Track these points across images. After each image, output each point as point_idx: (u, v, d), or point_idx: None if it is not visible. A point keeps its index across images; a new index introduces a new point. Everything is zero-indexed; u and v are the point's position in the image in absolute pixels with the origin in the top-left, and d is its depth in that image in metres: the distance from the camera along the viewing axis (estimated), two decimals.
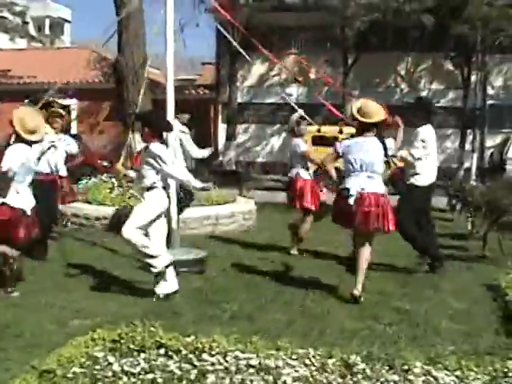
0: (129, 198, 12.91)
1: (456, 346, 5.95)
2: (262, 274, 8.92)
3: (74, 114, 33.69)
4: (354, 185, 7.48)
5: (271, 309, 7.14)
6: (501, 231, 10.76)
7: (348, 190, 7.45)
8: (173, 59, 9.07)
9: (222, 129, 35.25)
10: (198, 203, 12.88)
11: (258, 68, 35.56)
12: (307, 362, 4.65)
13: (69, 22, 44.82)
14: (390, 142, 7.92)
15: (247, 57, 12.12)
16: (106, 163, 17.04)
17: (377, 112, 7.59)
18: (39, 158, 8.31)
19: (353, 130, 8.36)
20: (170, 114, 9.04)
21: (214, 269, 9.09)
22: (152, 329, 4.94)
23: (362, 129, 7.69)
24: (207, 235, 12.07)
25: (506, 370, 4.57)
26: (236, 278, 8.69)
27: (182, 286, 7.84)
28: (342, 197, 7.58)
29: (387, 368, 4.56)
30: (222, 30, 11.64)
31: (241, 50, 13.65)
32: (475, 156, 17.28)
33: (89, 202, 12.89)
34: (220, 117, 35.90)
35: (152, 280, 7.48)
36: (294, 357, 4.71)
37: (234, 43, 11.49)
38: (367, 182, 7.46)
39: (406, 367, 4.55)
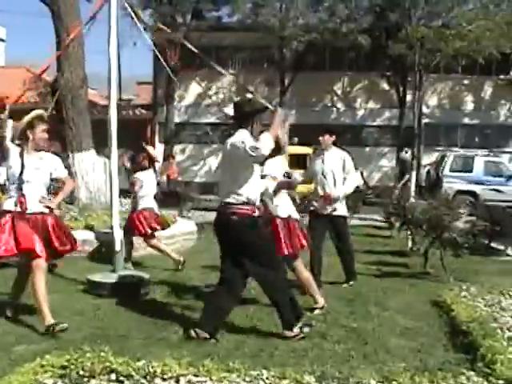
0: (68, 219, 12.66)
1: (407, 363, 5.94)
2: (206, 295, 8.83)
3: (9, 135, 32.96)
4: None
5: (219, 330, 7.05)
6: (442, 248, 10.88)
7: None
8: (116, 79, 8.96)
9: (159, 149, 35.05)
10: None
11: (196, 87, 35.57)
12: (261, 383, 4.59)
13: (3, 41, 44.01)
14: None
15: (174, 79, 12.00)
16: None
17: None
18: None
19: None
20: (113, 135, 8.91)
21: (158, 291, 8.95)
22: (102, 354, 4.81)
23: None
24: (147, 256, 11.90)
25: None
26: (181, 299, 8.56)
27: (127, 309, 7.71)
28: None
29: None
30: (155, 50, 11.43)
31: (170, 72, 13.45)
32: (413, 174, 17.50)
33: None
34: (157, 137, 35.72)
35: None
36: (247, 379, 4.66)
37: (165, 64, 11.32)
38: None
39: None
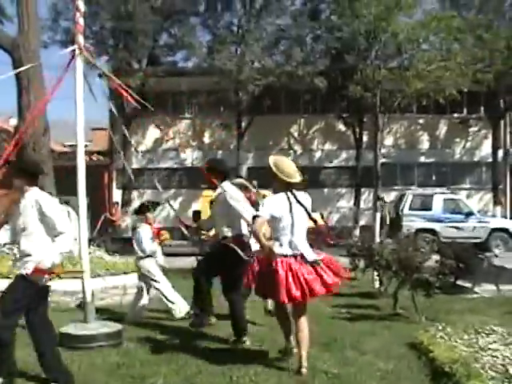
0: None
1: None
2: (181, 343, 8.66)
3: None
4: None
5: (198, 381, 6.89)
6: (413, 288, 10.86)
7: None
8: (83, 127, 8.88)
9: (117, 195, 34.81)
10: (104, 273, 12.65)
11: (153, 132, 35.53)
12: None
13: None
14: None
15: (126, 132, 11.88)
16: None
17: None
18: None
19: None
20: (81, 181, 8.79)
21: (131, 341, 8.75)
22: None
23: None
24: (116, 305, 11.70)
25: None
26: (155, 349, 8.36)
27: (100, 362, 7.53)
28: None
29: None
30: (109, 101, 11.27)
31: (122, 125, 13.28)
32: (378, 215, 17.51)
33: None
34: (115, 183, 35.48)
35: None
36: None
37: (115, 111, 11.16)
38: None
39: None
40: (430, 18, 24.59)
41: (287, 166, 7.42)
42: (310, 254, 7.28)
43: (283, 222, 7.24)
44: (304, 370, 7.09)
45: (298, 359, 7.26)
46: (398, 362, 7.72)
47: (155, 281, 10.59)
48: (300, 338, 7.29)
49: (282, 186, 7.38)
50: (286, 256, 7.15)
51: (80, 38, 9.04)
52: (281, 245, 7.23)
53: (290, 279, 6.99)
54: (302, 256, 7.19)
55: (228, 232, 8.68)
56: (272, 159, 7.46)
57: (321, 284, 7.14)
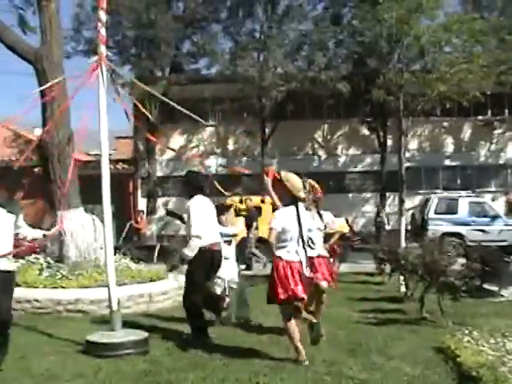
0: (59, 278, 12.51)
1: None
2: (207, 350, 8.65)
3: None
4: None
5: None
6: (439, 292, 10.81)
7: None
8: (107, 136, 8.94)
9: (142, 203, 34.95)
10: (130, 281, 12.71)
11: (177, 140, 35.66)
12: None
13: None
14: None
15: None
16: None
17: None
18: None
19: None
20: (106, 191, 8.85)
21: (158, 349, 8.77)
22: None
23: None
24: (142, 313, 11.74)
25: None
26: (181, 356, 8.37)
27: (127, 370, 7.56)
28: None
29: None
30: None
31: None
32: (403, 219, 17.51)
33: (18, 285, 12.35)
34: (139, 191, 35.64)
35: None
36: None
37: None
38: None
39: None
40: (452, 21, 24.42)
41: (297, 182, 8.16)
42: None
43: (291, 232, 7.89)
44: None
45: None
46: (424, 366, 7.67)
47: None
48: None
49: (291, 199, 8.06)
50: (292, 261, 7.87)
51: (102, 49, 9.11)
52: (288, 252, 7.90)
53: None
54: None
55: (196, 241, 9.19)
56: (284, 174, 8.23)
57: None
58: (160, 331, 10.00)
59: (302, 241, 7.91)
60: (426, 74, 23.74)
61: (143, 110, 11.21)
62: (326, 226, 9.85)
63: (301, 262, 7.86)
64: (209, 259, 9.26)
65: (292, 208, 7.98)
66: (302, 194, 8.14)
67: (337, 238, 10.73)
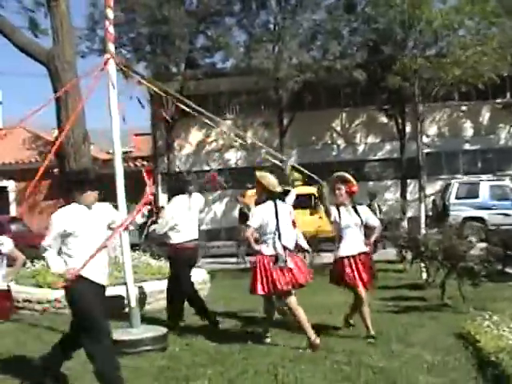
0: None
1: None
2: (226, 344, 8.66)
3: (12, 196, 33.19)
4: None
5: (243, 381, 6.90)
6: (459, 278, 10.75)
7: None
8: (119, 133, 8.94)
9: (162, 199, 34.98)
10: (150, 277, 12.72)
11: (195, 135, 35.67)
12: None
13: (0, 103, 44.30)
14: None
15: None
16: None
17: None
18: None
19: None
20: (121, 188, 8.86)
21: (177, 344, 8.78)
22: None
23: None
24: (162, 310, 11.74)
25: None
26: (200, 351, 8.39)
27: (146, 366, 7.58)
28: None
29: None
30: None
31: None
32: (422, 206, 17.42)
33: (40, 286, 12.43)
34: (160, 187, 35.68)
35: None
36: None
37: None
38: None
39: None
40: (463, 2, 24.27)
41: (271, 179, 8.72)
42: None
43: (270, 226, 8.48)
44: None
45: None
46: (445, 353, 7.64)
47: None
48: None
49: (268, 194, 8.66)
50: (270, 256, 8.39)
51: (111, 46, 9.11)
52: (267, 246, 8.48)
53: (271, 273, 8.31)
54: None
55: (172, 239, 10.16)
56: (259, 173, 8.84)
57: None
58: (179, 327, 10.02)
59: (279, 234, 8.38)
60: (441, 59, 23.62)
61: (160, 111, 11.34)
62: (363, 222, 9.10)
63: (278, 256, 8.32)
64: (186, 256, 10.20)
65: (270, 203, 8.56)
66: (278, 189, 8.68)
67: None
